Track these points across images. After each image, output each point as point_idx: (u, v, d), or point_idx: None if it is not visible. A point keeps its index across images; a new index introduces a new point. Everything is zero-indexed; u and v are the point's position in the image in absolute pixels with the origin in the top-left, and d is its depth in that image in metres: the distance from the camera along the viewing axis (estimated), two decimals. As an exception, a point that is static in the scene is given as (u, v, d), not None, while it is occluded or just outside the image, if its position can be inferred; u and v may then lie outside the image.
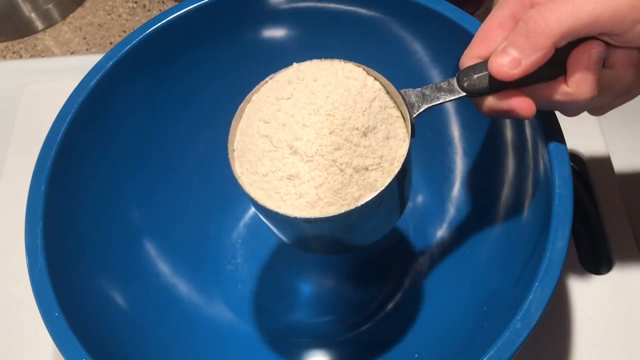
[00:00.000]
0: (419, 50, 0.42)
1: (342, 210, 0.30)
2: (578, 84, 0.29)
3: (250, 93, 0.33)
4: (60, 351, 0.31)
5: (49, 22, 0.65)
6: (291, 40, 0.44)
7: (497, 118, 0.31)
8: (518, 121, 0.38)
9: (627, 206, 0.47)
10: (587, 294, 0.44)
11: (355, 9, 0.41)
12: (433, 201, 0.47)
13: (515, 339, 0.29)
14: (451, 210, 0.45)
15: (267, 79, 0.33)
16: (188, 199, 0.47)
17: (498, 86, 0.30)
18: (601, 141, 0.50)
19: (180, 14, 0.40)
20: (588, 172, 0.49)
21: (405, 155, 0.31)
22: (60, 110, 0.38)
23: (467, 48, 0.32)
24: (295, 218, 0.30)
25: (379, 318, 0.44)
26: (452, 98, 0.32)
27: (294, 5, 0.42)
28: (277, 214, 0.30)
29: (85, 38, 0.64)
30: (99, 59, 0.39)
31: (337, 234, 0.32)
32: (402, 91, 0.32)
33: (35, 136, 0.41)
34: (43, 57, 0.63)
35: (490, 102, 0.31)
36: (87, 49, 0.63)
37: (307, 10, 0.42)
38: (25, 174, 0.37)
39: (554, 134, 0.34)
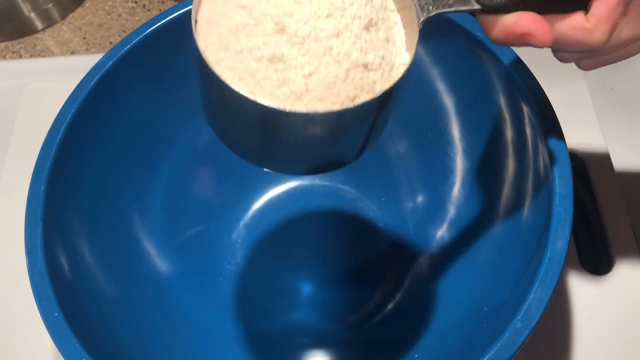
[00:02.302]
0: (419, 50, 0.42)
1: (334, 108, 0.25)
2: (599, 22, 0.27)
3: None
4: (60, 351, 0.31)
5: (49, 22, 0.65)
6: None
7: (506, 44, 0.30)
8: (518, 121, 0.37)
9: (627, 206, 0.47)
10: (587, 294, 0.44)
11: (355, 9, 0.41)
12: (433, 201, 0.47)
13: (515, 339, 0.29)
14: (451, 210, 0.45)
15: None
16: (188, 198, 0.47)
17: (517, 4, 0.28)
18: (601, 141, 0.50)
19: (180, 13, 0.40)
20: (588, 171, 0.49)
21: (408, 64, 0.26)
22: (60, 110, 0.38)
23: None
24: (276, 110, 0.24)
25: (379, 318, 0.44)
26: (465, 9, 0.28)
27: (294, 4, 0.42)
28: (250, 102, 0.24)
29: (85, 38, 0.64)
30: (98, 59, 0.39)
31: (317, 139, 0.26)
32: None
33: (35, 136, 0.41)
34: (43, 57, 0.63)
35: (506, 21, 0.28)
36: (87, 49, 0.63)
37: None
38: (25, 174, 0.37)
39: (554, 133, 0.34)
